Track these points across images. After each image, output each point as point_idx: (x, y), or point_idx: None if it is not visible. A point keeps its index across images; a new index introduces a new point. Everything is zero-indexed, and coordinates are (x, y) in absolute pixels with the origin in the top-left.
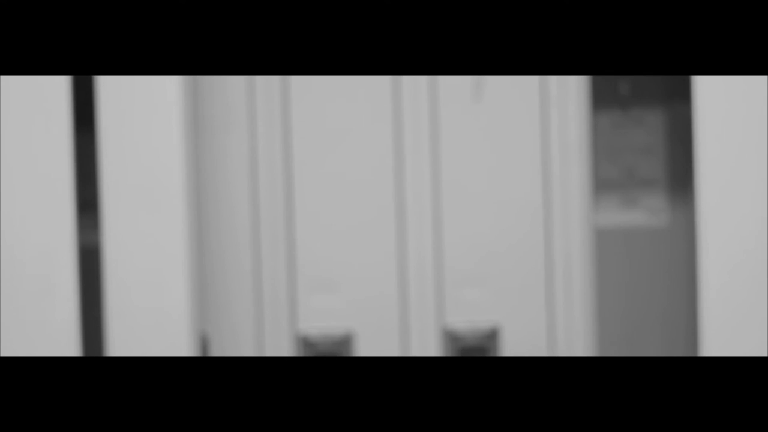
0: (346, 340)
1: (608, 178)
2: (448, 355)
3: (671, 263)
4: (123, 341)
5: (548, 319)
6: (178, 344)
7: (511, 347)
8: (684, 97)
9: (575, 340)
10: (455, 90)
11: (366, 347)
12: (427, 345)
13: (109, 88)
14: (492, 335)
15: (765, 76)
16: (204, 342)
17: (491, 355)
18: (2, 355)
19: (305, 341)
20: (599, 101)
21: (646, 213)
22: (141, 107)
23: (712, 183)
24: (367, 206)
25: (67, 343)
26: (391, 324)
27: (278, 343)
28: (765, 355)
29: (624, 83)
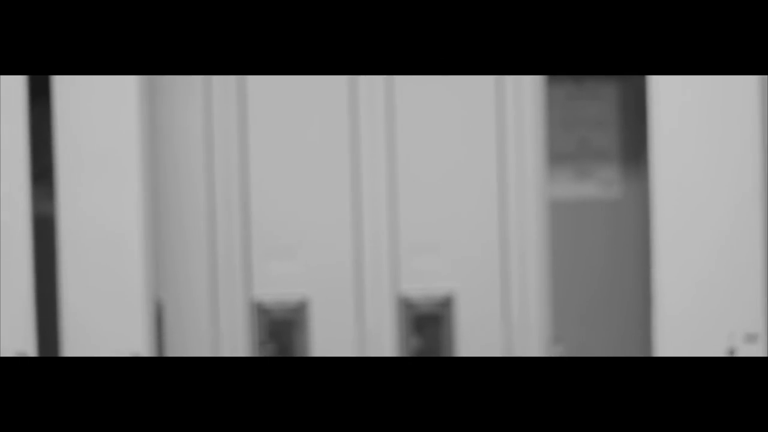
0: (301, 307)
1: (562, 151)
2: (403, 321)
3: (623, 234)
4: (78, 309)
5: (502, 288)
6: (134, 311)
7: (465, 315)
8: None
9: (530, 308)
10: None
11: (321, 314)
12: (382, 312)
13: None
14: (446, 303)
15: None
16: (159, 308)
17: (445, 321)
18: None
19: (260, 307)
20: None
21: (599, 185)
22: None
23: (666, 155)
24: (323, 174)
25: (23, 312)
26: (346, 291)
27: (233, 310)
28: (717, 325)
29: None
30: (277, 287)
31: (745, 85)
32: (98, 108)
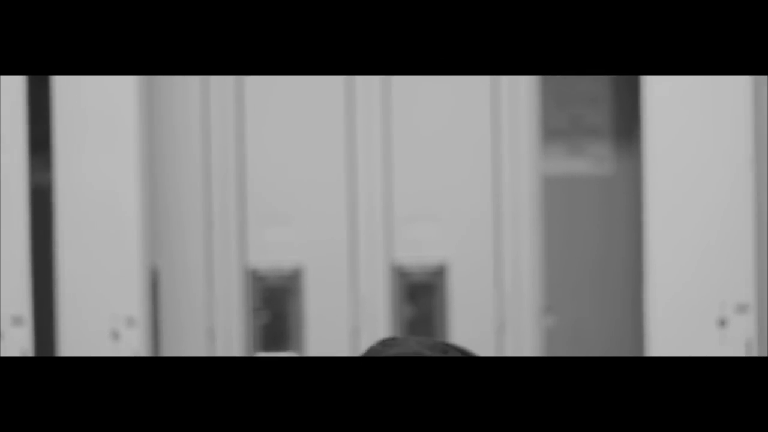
0: (296, 274)
1: (555, 127)
2: (396, 290)
3: (615, 209)
4: (74, 275)
5: (496, 258)
6: (129, 276)
7: (458, 284)
8: None
9: (522, 279)
10: None
11: (315, 281)
12: (376, 280)
13: None
14: (440, 271)
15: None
16: (154, 274)
17: (438, 290)
18: None
19: (254, 274)
20: None
21: (591, 161)
22: None
23: (658, 131)
24: (318, 142)
25: (19, 277)
26: (341, 259)
27: (228, 276)
28: (709, 296)
29: None
30: (271, 254)
31: None
32: (97, 78)
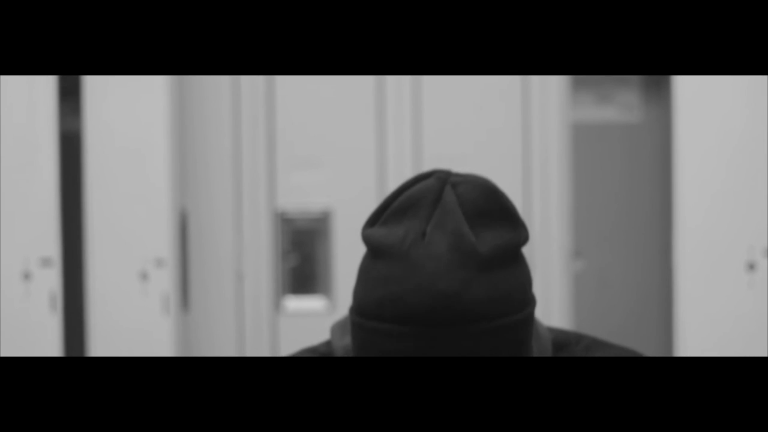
0: (324, 217)
1: (584, 74)
2: None
3: (643, 156)
4: (104, 217)
5: (524, 202)
6: (159, 219)
7: None
8: None
9: (551, 223)
10: None
11: (343, 224)
12: None
13: None
14: None
15: None
16: (183, 217)
17: None
18: None
19: (283, 216)
20: None
21: (620, 109)
22: None
23: (687, 80)
24: (348, 86)
25: (47, 220)
26: (369, 201)
27: (257, 219)
28: (737, 240)
29: None
30: (300, 197)
31: None
32: None
